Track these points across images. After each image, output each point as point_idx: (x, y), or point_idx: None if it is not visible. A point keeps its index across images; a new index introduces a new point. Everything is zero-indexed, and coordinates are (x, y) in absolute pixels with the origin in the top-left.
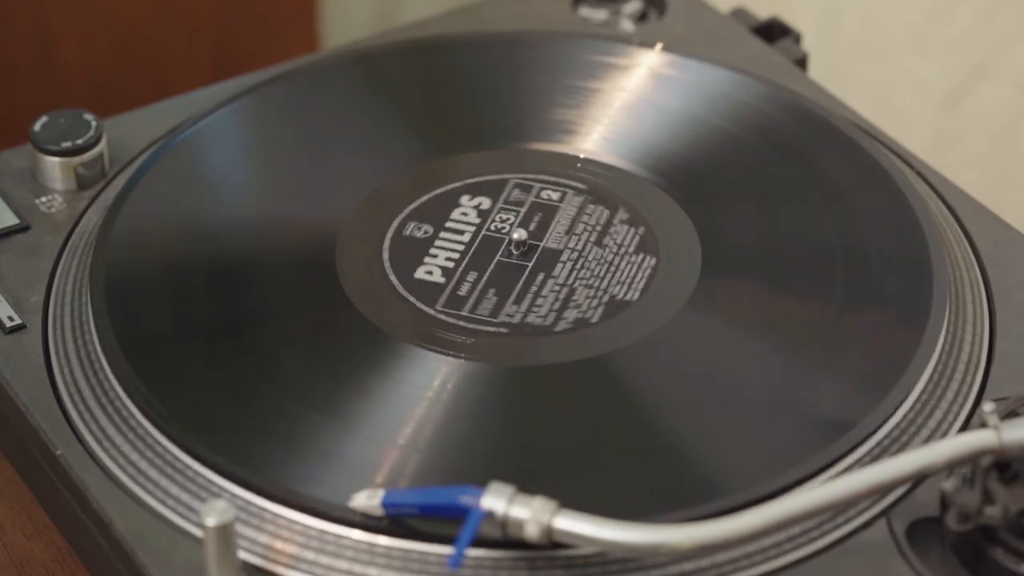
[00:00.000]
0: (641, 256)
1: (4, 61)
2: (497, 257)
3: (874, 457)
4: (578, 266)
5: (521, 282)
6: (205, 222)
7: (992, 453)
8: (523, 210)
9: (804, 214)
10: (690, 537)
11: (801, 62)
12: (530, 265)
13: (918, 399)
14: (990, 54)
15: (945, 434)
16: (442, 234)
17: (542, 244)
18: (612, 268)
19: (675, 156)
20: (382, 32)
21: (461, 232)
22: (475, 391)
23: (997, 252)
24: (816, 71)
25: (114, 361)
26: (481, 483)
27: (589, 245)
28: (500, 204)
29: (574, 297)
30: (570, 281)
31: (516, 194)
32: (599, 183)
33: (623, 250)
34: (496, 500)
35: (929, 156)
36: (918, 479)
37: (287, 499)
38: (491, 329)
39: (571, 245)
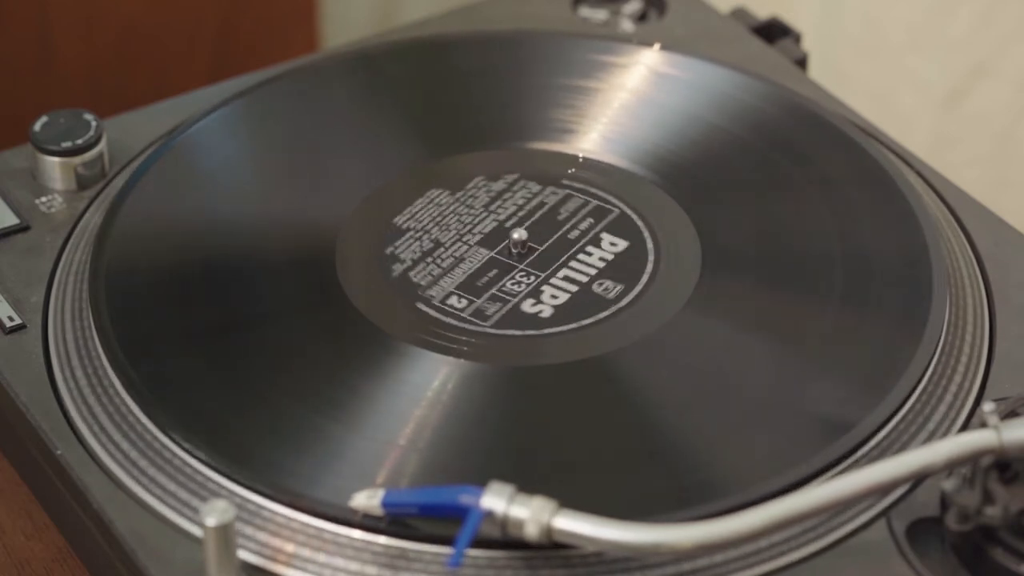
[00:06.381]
0: (641, 256)
1: (4, 61)
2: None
3: (874, 457)
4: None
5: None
6: (205, 222)
7: (992, 453)
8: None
9: (804, 214)
10: (690, 537)
11: (801, 62)
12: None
13: (918, 399)
14: (990, 54)
15: (945, 434)
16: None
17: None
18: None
19: (675, 156)
20: (382, 32)
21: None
22: (475, 391)
23: (997, 252)
24: (816, 71)
25: (114, 361)
26: (481, 483)
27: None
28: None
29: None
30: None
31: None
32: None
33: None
34: (496, 500)
35: (929, 156)
36: (918, 479)
37: (287, 499)
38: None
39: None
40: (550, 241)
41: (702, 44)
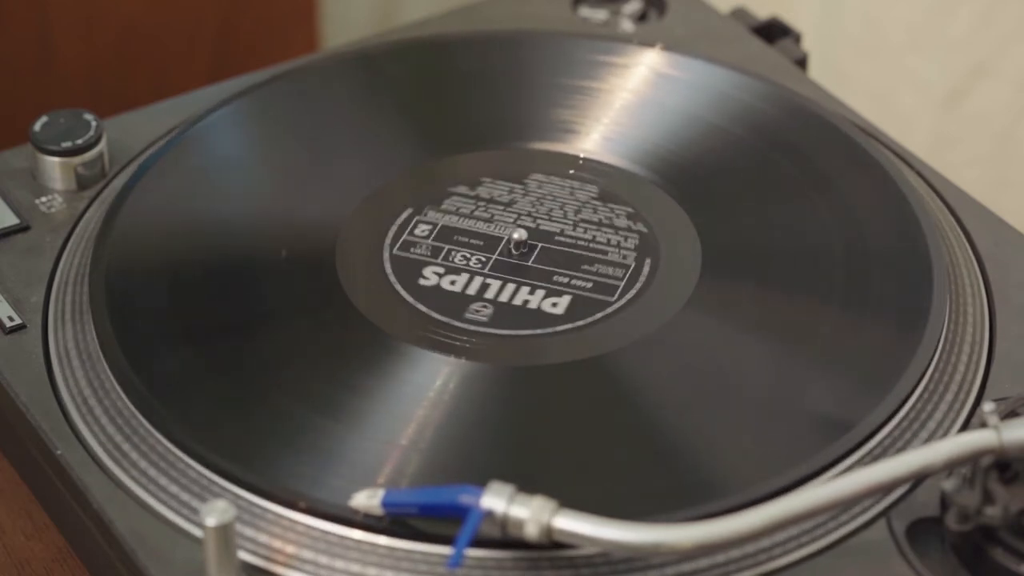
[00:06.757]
0: (641, 256)
1: (4, 61)
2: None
3: (874, 457)
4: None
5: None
6: (205, 222)
7: (992, 453)
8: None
9: (804, 214)
10: (690, 537)
11: (801, 62)
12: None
13: (918, 399)
14: (990, 54)
15: (945, 434)
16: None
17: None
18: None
19: (675, 156)
20: (382, 32)
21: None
22: (475, 391)
23: (997, 252)
24: (816, 71)
25: (114, 361)
26: (481, 483)
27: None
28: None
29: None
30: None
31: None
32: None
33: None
34: (496, 500)
35: (929, 156)
36: (918, 479)
37: (287, 499)
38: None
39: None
40: (540, 265)
41: (702, 44)
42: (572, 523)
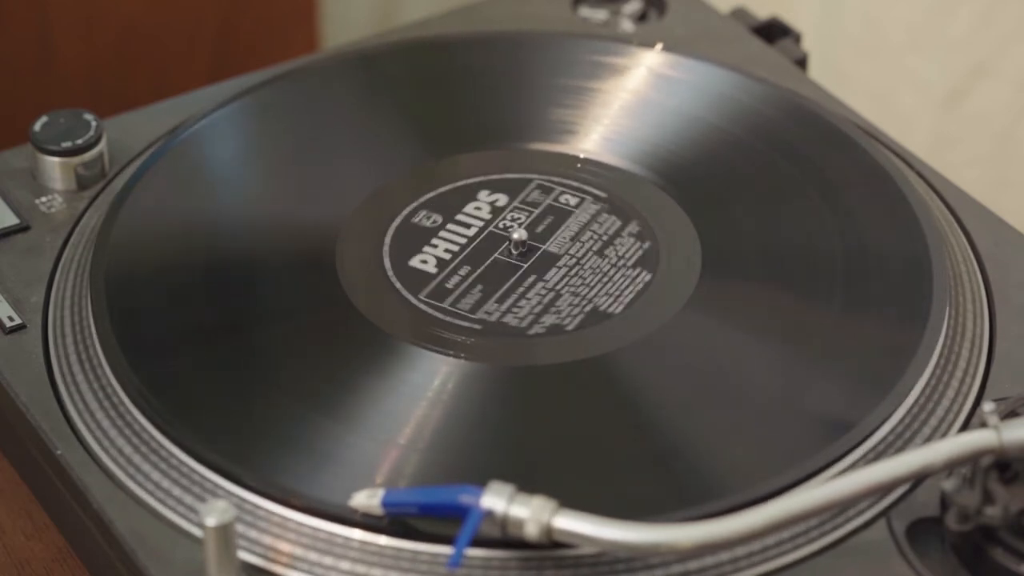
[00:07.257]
0: (640, 265)
1: (4, 61)
2: (494, 256)
3: (874, 457)
4: (572, 273)
5: (510, 282)
6: (205, 222)
7: (992, 453)
8: (525, 210)
9: (804, 214)
10: (690, 537)
11: (801, 62)
12: (525, 266)
13: (918, 399)
14: (990, 54)
15: (945, 434)
16: (442, 234)
17: (542, 246)
18: (605, 279)
19: (675, 156)
20: (382, 32)
21: (461, 233)
22: (475, 391)
23: (997, 252)
24: (816, 71)
25: (114, 361)
26: (481, 483)
27: (590, 253)
28: (501, 204)
29: (557, 303)
30: (559, 287)
31: (522, 194)
32: (605, 186)
33: (623, 261)
34: (496, 499)
35: (929, 156)
36: (918, 479)
37: (287, 499)
38: (465, 324)
39: (571, 251)
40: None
41: (702, 44)
42: (572, 523)
